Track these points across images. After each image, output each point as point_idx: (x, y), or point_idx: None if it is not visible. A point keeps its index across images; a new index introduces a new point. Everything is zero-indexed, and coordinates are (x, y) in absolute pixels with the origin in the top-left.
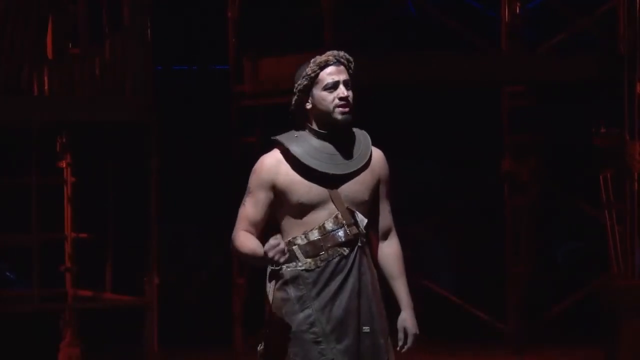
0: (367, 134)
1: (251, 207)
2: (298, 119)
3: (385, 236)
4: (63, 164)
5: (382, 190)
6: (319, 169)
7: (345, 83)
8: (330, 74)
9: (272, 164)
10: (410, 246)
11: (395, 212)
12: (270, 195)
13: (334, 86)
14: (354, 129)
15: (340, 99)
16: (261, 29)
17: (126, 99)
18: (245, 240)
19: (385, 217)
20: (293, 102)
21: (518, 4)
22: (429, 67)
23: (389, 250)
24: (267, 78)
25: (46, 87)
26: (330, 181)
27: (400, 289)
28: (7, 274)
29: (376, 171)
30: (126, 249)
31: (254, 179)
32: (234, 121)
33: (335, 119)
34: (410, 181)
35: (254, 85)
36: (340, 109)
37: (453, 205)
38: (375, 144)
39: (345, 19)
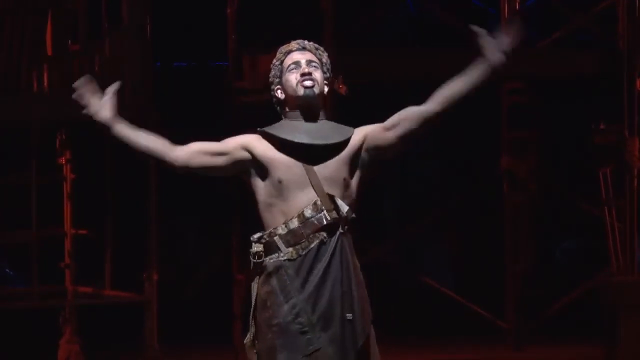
0: (352, 128)
1: (208, 142)
2: (279, 112)
3: (426, 105)
4: (63, 161)
5: (377, 127)
6: (294, 139)
7: (309, 62)
8: (292, 57)
9: (251, 137)
10: (410, 245)
11: (395, 211)
12: (237, 151)
13: (296, 66)
14: (339, 124)
15: (303, 74)
16: (260, 25)
17: (125, 96)
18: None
19: (412, 110)
20: (272, 96)
21: (518, 0)
22: (428, 64)
23: (435, 94)
24: (266, 74)
25: (46, 84)
26: (309, 158)
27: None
28: (7, 270)
29: (355, 138)
30: (126, 245)
31: (228, 139)
32: (234, 117)
33: (299, 96)
34: (409, 179)
35: (254, 81)
36: (302, 82)
37: (452, 202)
38: None
39: (345, 16)
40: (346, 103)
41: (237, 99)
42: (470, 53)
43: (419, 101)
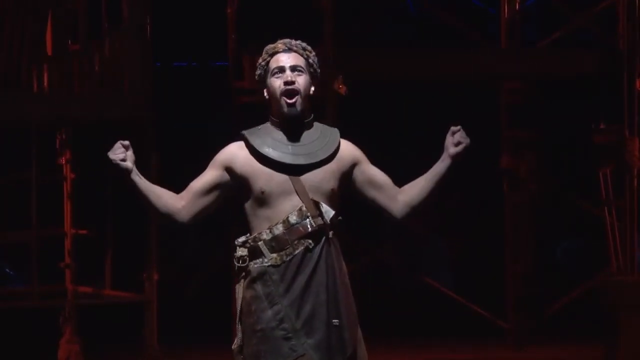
0: (337, 130)
1: (197, 179)
2: (267, 111)
3: (396, 196)
4: (63, 161)
5: (365, 168)
6: (276, 159)
7: (293, 68)
8: (277, 60)
9: (232, 149)
10: (410, 245)
11: None
12: (221, 175)
13: (280, 71)
14: (324, 125)
15: (286, 83)
16: (260, 25)
17: (125, 96)
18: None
19: (389, 187)
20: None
21: (518, 0)
22: (427, 63)
23: (405, 191)
24: None
25: (46, 84)
26: (292, 170)
27: (429, 172)
28: (7, 270)
29: (346, 158)
30: (126, 245)
31: (213, 159)
32: (234, 117)
33: (282, 112)
34: (409, 180)
35: (254, 81)
36: (285, 98)
37: (452, 202)
38: (372, 141)
39: (345, 16)
40: (346, 103)
41: (237, 99)
42: (470, 53)
43: (418, 101)
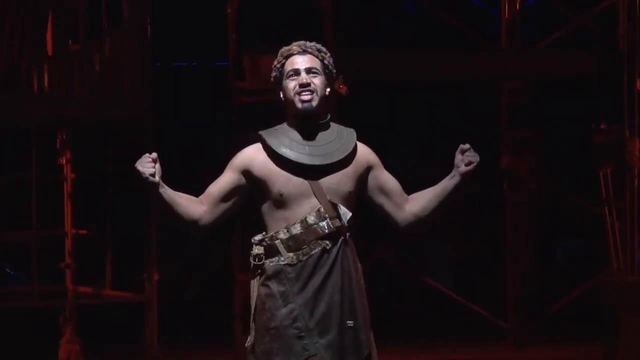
0: (353, 131)
1: (215, 183)
2: (284, 113)
3: (403, 205)
4: (63, 161)
5: (379, 173)
6: (293, 159)
7: (308, 70)
8: (292, 62)
9: (250, 152)
10: (411, 245)
11: None
12: (239, 178)
13: (295, 73)
14: (340, 126)
15: (301, 85)
16: (260, 25)
17: (125, 96)
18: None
19: (398, 194)
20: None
21: (518, 0)
22: (427, 63)
23: (412, 200)
24: (266, 74)
25: (46, 84)
26: (310, 172)
27: (438, 186)
28: (7, 270)
29: (362, 161)
30: (126, 245)
31: (230, 162)
32: (234, 117)
33: (297, 109)
34: (409, 180)
35: (254, 81)
36: (300, 96)
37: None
38: (372, 141)
39: (345, 16)
40: (346, 103)
41: (237, 99)
42: (470, 53)
43: (418, 101)
